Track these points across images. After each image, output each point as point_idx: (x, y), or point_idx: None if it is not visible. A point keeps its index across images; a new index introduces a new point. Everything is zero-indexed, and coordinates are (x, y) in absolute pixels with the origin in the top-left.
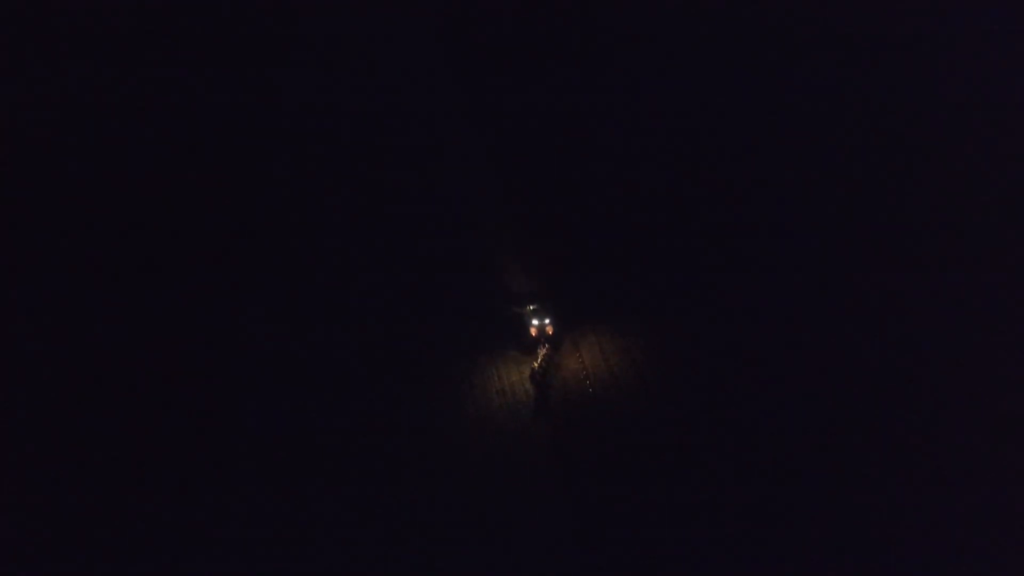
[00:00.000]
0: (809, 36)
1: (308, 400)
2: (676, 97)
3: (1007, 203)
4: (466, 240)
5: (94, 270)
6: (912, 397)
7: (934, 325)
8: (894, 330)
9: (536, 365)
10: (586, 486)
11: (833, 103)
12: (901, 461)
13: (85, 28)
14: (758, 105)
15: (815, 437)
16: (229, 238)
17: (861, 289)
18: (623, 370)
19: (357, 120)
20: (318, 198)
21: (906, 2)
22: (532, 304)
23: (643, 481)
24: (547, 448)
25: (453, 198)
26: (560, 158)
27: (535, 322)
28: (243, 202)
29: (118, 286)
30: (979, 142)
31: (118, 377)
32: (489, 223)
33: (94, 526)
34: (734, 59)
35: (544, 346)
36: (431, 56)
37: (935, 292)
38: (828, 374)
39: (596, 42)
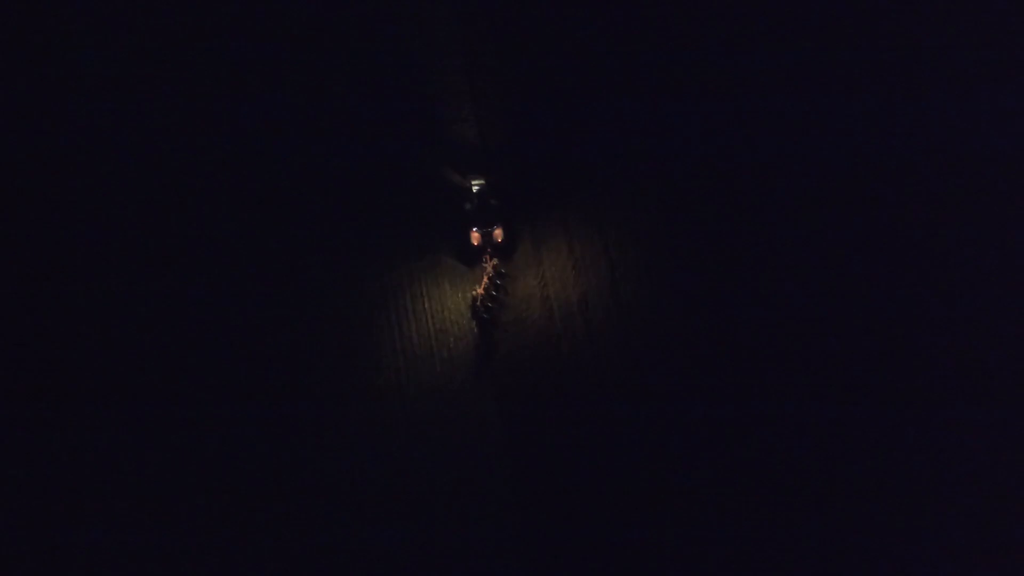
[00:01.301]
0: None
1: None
2: None
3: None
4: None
5: None
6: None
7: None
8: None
9: (479, 291)
10: (543, 494)
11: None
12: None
13: None
14: None
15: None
16: None
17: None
18: (605, 297)
19: None
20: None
21: None
22: (476, 179)
23: (625, 499)
24: (492, 426)
25: None
26: None
27: (476, 228)
28: None
29: None
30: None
31: None
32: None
33: None
34: None
35: (491, 258)
36: None
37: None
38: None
39: None
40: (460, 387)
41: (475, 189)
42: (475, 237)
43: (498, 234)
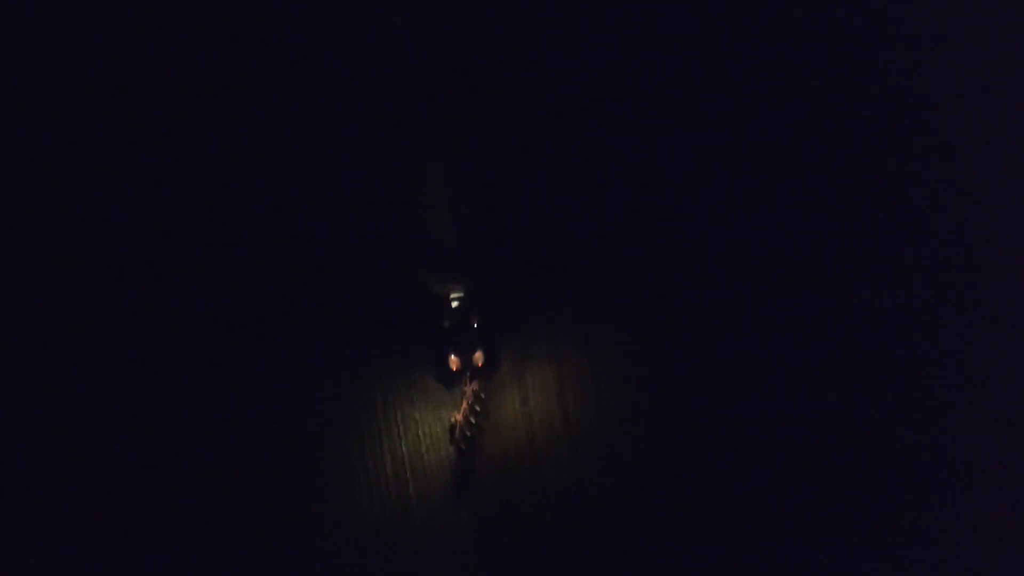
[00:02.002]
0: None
1: None
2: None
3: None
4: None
5: None
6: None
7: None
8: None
9: (458, 417)
10: None
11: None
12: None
13: None
14: None
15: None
16: None
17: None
18: (591, 415)
19: None
20: None
21: None
22: (455, 289)
23: None
24: (468, 561)
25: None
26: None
27: (455, 354)
28: None
29: None
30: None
31: None
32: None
33: None
34: None
35: (470, 381)
36: None
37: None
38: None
39: None
40: (434, 517)
41: (454, 304)
42: (454, 363)
43: (478, 358)
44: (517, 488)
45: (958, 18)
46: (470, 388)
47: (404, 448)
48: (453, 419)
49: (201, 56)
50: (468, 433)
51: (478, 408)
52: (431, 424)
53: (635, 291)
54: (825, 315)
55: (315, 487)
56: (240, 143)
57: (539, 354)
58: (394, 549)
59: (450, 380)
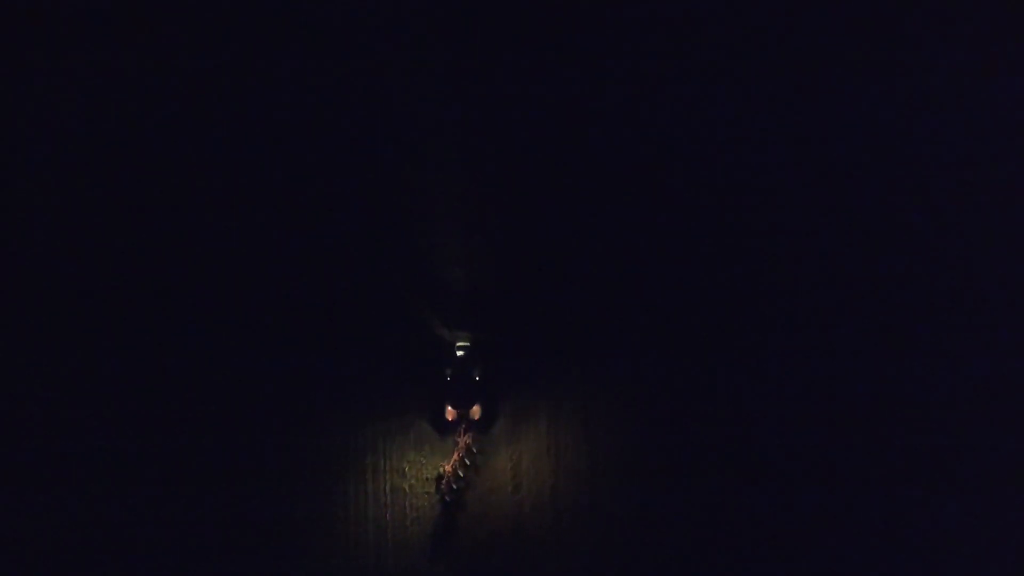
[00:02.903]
0: None
1: None
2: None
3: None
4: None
5: None
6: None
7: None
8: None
9: (448, 468)
10: None
11: None
12: None
13: None
14: None
15: None
16: None
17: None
18: (581, 491)
19: None
20: None
21: None
22: (461, 337)
23: None
24: None
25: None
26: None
27: (451, 405)
28: None
29: None
30: None
31: None
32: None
33: None
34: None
35: (464, 433)
36: None
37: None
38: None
39: None
40: (410, 570)
41: (459, 353)
42: (451, 413)
43: (475, 411)
44: (499, 550)
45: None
46: (463, 440)
47: (388, 492)
48: (442, 469)
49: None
50: (455, 486)
51: (468, 462)
52: (419, 471)
53: (634, 365)
54: (812, 379)
55: (290, 519)
56: (261, 182)
57: (536, 416)
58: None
59: (445, 429)
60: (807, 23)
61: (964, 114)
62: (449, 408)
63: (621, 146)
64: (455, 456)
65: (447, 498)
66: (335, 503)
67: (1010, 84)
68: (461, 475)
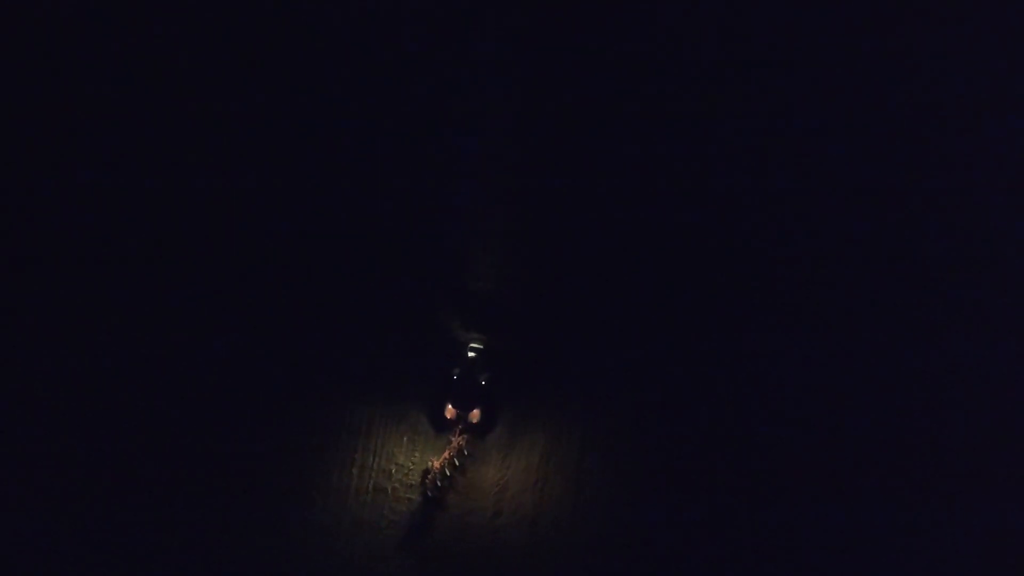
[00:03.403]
0: None
1: None
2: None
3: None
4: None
5: None
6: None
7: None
8: None
9: (436, 464)
10: None
11: None
12: None
13: None
14: None
15: None
16: None
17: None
18: (566, 522)
19: None
20: None
21: None
22: (476, 339)
23: None
24: None
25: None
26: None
27: (452, 404)
28: None
29: None
30: None
31: None
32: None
33: None
34: None
35: (460, 434)
36: None
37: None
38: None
39: None
40: (374, 555)
41: (470, 354)
42: (450, 412)
43: (475, 415)
44: (470, 554)
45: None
46: (457, 440)
47: (372, 477)
48: (430, 464)
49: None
50: (439, 483)
51: (457, 463)
52: (407, 461)
53: (638, 393)
54: (814, 401)
55: (274, 489)
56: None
57: (533, 432)
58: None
59: (442, 426)
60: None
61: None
62: (449, 407)
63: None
64: (446, 454)
65: (429, 493)
66: (316, 478)
67: None
68: (448, 474)
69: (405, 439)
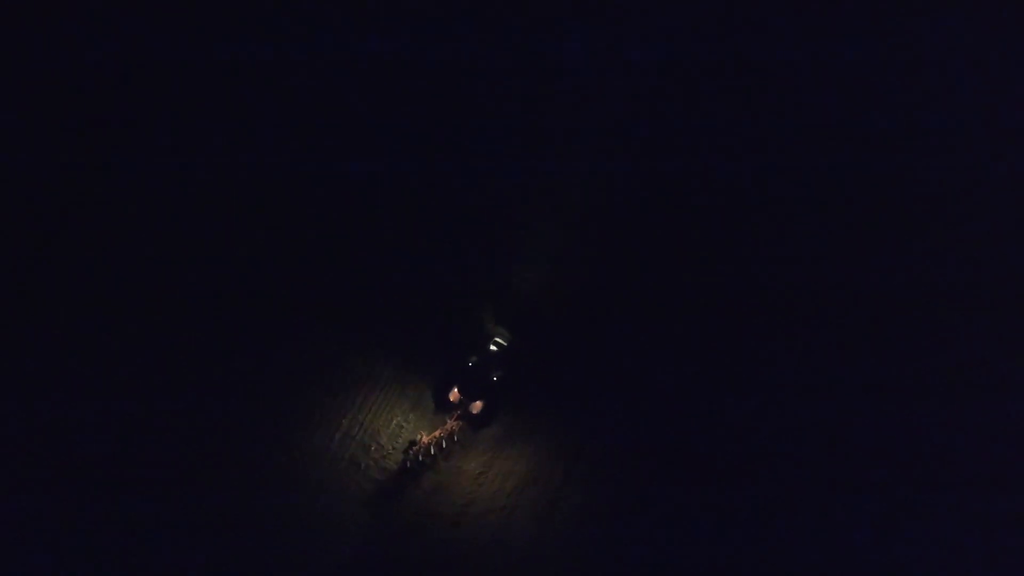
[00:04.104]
0: None
1: None
2: None
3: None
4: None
5: None
6: None
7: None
8: None
9: (424, 439)
10: None
11: None
12: None
13: None
14: None
15: None
16: None
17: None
18: (533, 536)
19: None
20: None
21: None
22: (503, 334)
23: None
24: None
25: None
26: None
27: (458, 388)
28: None
29: None
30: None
31: None
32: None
33: None
34: None
35: (455, 419)
36: None
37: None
38: None
39: None
40: (337, 504)
41: (491, 347)
42: (454, 395)
43: (476, 406)
44: (427, 531)
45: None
46: (452, 423)
47: (361, 431)
48: (419, 436)
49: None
50: (421, 459)
51: (444, 445)
52: (398, 427)
53: (639, 424)
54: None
55: (252, 434)
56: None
57: (526, 441)
58: (283, 511)
59: (443, 406)
60: None
61: None
62: (455, 390)
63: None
64: (437, 433)
65: (409, 464)
66: (310, 418)
67: None
68: (432, 452)
69: (403, 403)
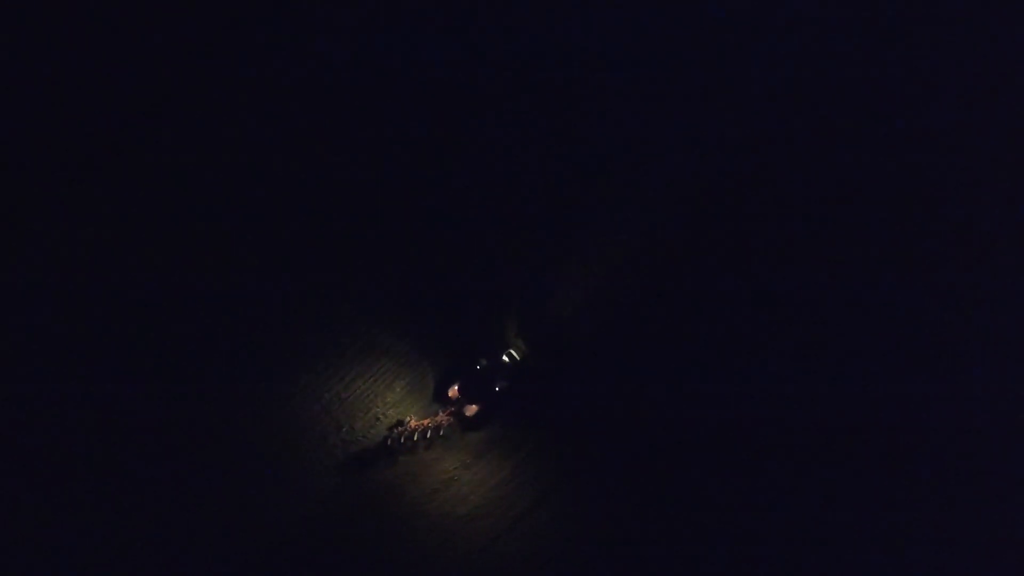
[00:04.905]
0: None
1: None
2: None
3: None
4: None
5: None
6: None
7: None
8: None
9: (412, 424)
10: None
11: None
12: None
13: None
14: None
15: None
16: None
17: None
18: (486, 547)
19: None
20: None
21: None
22: (520, 346)
23: None
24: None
25: None
26: None
27: (459, 386)
28: None
29: None
30: None
31: None
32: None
33: None
34: None
35: (448, 415)
36: None
37: None
38: None
39: None
40: (310, 463)
41: (504, 358)
42: (453, 392)
43: (471, 409)
44: (384, 511)
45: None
46: (442, 416)
47: (353, 396)
48: (408, 419)
49: None
50: (403, 441)
51: (428, 435)
52: (392, 403)
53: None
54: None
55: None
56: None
57: (505, 458)
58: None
59: (439, 398)
60: None
61: None
62: (456, 387)
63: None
64: (426, 421)
65: (389, 441)
66: (300, 374)
67: None
68: (415, 439)
69: (395, 383)
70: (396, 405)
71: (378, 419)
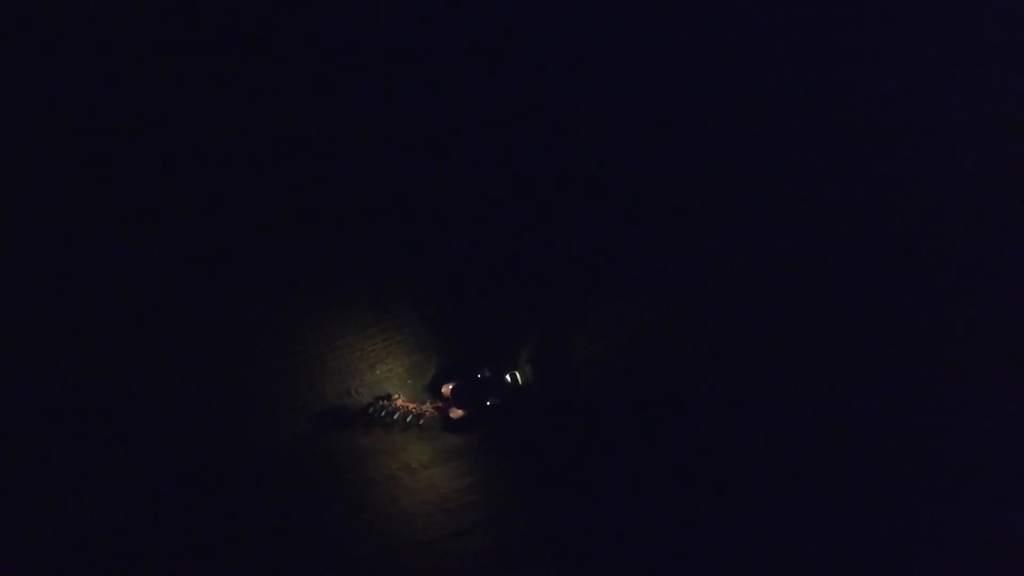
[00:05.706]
0: None
1: None
2: None
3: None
4: None
5: None
6: None
7: None
8: None
9: (400, 403)
10: None
11: None
12: None
13: None
14: None
15: None
16: None
17: None
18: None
19: None
20: None
21: None
22: (526, 372)
23: None
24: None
25: None
26: None
27: (453, 387)
28: None
29: None
30: None
31: None
32: None
33: None
34: None
35: (434, 408)
36: None
37: None
38: None
39: None
40: (289, 404)
41: (508, 378)
42: (446, 389)
43: (456, 412)
44: (343, 476)
45: None
46: (428, 407)
47: (352, 358)
48: (396, 397)
49: None
50: (383, 414)
51: (408, 420)
52: (384, 375)
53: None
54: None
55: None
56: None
57: (469, 473)
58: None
59: (432, 390)
60: None
61: None
62: (450, 386)
63: None
64: (412, 406)
65: (370, 411)
66: (303, 331)
67: None
68: (395, 419)
69: (401, 370)
70: (392, 379)
71: (370, 386)
